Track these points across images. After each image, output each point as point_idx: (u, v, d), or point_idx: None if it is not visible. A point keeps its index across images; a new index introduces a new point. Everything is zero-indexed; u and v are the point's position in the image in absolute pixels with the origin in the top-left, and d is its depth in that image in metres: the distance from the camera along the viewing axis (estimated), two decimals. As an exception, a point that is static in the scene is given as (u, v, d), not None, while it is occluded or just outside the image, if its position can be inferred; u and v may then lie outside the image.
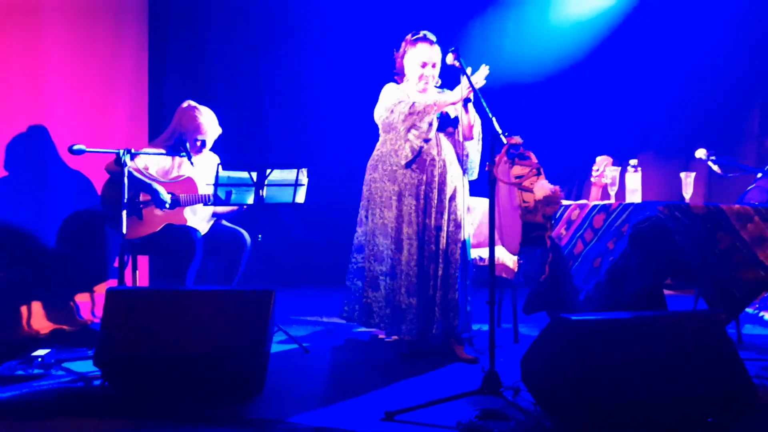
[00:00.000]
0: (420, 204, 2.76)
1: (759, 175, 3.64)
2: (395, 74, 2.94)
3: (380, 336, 3.12)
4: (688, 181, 2.95)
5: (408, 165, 2.75)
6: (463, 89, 2.64)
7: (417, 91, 2.86)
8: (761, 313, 3.76)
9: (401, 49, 2.89)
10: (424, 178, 2.77)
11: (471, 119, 2.81)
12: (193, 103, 3.21)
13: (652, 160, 5.20)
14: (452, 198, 2.80)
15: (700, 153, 3.19)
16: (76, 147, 2.58)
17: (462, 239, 2.81)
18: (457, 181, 2.83)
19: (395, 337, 2.91)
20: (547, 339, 2.10)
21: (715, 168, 3.18)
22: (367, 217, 2.89)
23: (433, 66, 2.83)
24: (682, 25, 5.32)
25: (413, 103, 2.72)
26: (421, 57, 2.82)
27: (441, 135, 2.83)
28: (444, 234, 2.76)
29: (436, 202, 2.76)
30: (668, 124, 5.46)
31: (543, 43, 5.09)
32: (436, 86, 2.91)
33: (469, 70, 2.59)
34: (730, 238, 2.56)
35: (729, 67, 5.33)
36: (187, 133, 3.15)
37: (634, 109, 5.46)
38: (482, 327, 3.14)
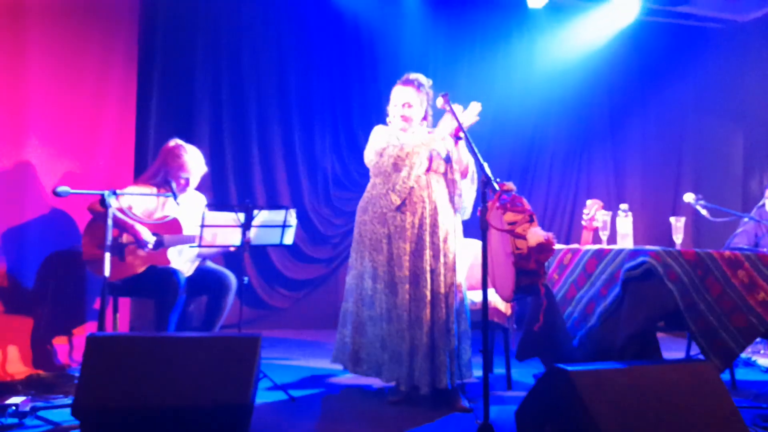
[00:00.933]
0: (412, 247, 2.71)
1: (746, 219, 3.67)
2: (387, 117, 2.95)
3: (370, 383, 3.04)
4: (678, 226, 2.95)
5: (398, 208, 2.73)
6: (446, 123, 2.66)
7: (401, 130, 2.86)
8: (753, 358, 3.74)
9: (390, 99, 2.91)
10: (416, 221, 2.73)
11: (463, 157, 2.80)
12: (179, 142, 3.18)
13: (639, 202, 5.26)
14: (445, 240, 2.76)
15: (689, 197, 3.20)
16: (60, 189, 2.51)
17: (456, 283, 2.75)
18: (449, 223, 2.79)
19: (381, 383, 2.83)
20: (542, 389, 2.06)
21: (704, 212, 3.19)
22: (356, 260, 2.84)
23: (408, 106, 2.83)
24: (664, 67, 5.46)
25: (402, 145, 2.72)
26: (394, 99, 2.87)
27: (432, 175, 2.81)
28: (440, 278, 2.71)
29: (428, 244, 2.72)
30: (654, 167, 5.53)
31: (530, 85, 5.16)
32: (427, 127, 2.92)
33: (459, 108, 2.61)
34: (721, 285, 2.56)
35: (712, 109, 5.45)
36: (172, 172, 3.11)
37: (620, 151, 5.54)
38: (474, 373, 3.07)
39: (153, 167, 3.20)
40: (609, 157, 5.49)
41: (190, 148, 3.18)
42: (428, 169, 2.79)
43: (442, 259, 2.72)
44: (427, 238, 2.72)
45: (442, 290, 2.70)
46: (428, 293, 2.68)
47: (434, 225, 2.74)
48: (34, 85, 3.18)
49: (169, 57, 4.40)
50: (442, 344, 2.67)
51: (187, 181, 3.16)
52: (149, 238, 2.96)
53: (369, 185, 2.87)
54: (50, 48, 3.26)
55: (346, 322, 2.85)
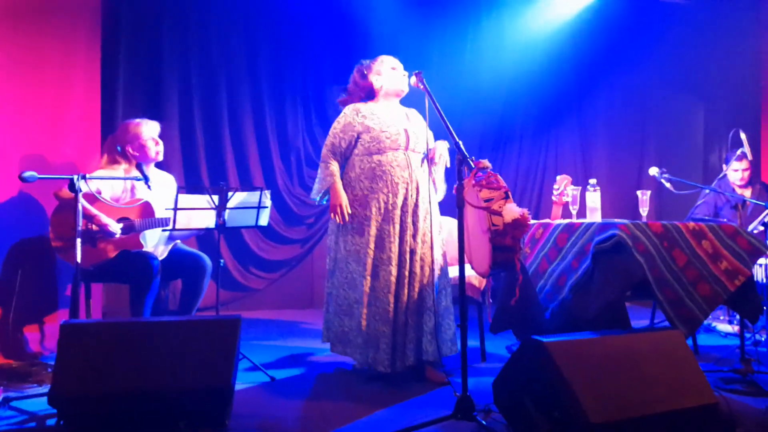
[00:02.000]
0: (394, 228, 2.72)
1: (707, 191, 3.80)
2: (365, 97, 2.92)
3: (348, 361, 3.07)
4: (644, 199, 3.05)
5: (377, 183, 2.74)
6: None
7: (395, 96, 2.87)
8: (713, 324, 3.91)
9: (370, 70, 2.88)
10: (399, 201, 2.74)
11: (434, 149, 2.86)
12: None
13: (604, 176, 5.38)
14: (425, 219, 2.77)
15: (653, 171, 3.30)
16: (26, 174, 2.44)
17: (436, 261, 2.78)
18: (428, 202, 2.82)
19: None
20: (519, 361, 2.12)
21: (668, 185, 3.30)
22: (337, 243, 2.83)
23: (402, 70, 2.89)
24: (628, 43, 5.55)
25: (324, 165, 2.82)
26: (388, 63, 2.89)
27: (411, 154, 2.81)
28: (417, 257, 2.73)
29: (410, 224, 2.74)
30: (619, 142, 5.65)
31: (499, 63, 5.18)
32: (400, 100, 2.93)
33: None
34: (687, 256, 2.66)
35: (674, 85, 5.57)
36: (135, 144, 3.06)
37: (586, 127, 5.64)
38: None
39: (112, 150, 3.12)
40: (576, 133, 5.59)
41: (135, 119, 3.16)
42: (406, 147, 2.80)
43: (420, 239, 2.75)
44: (409, 219, 2.74)
45: (421, 269, 2.73)
46: (407, 273, 2.71)
47: (416, 205, 2.76)
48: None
49: (134, 40, 4.27)
50: (422, 322, 2.70)
51: (156, 141, 3.12)
52: (115, 229, 2.90)
53: (347, 166, 2.86)
54: (8, 34, 3.13)
55: (329, 303, 2.86)
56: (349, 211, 2.76)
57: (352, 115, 2.83)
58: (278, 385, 2.75)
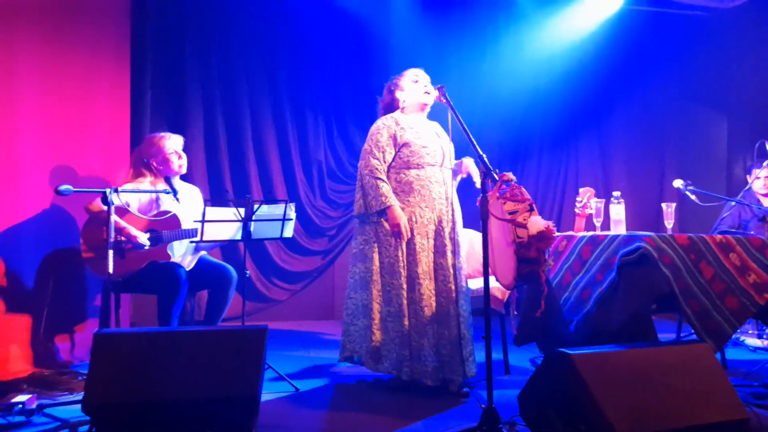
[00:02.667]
0: (428, 242, 2.73)
1: (732, 203, 3.77)
2: (385, 109, 2.96)
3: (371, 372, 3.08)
4: (669, 211, 3.03)
5: (381, 214, 2.75)
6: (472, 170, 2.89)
7: (420, 110, 2.88)
8: (741, 338, 3.85)
9: (396, 85, 2.92)
10: (435, 216, 2.76)
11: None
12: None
13: (625, 188, 5.34)
14: (459, 233, 2.80)
15: (678, 183, 3.28)
16: (62, 187, 2.52)
17: (466, 274, 2.80)
18: (458, 216, 2.84)
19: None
20: (544, 373, 2.12)
21: (693, 197, 3.27)
22: (371, 255, 2.79)
23: (425, 83, 2.91)
24: (648, 55, 5.53)
25: (376, 182, 2.73)
26: (419, 76, 2.91)
27: (445, 171, 2.82)
28: (460, 272, 2.74)
29: (448, 239, 2.75)
30: (640, 154, 5.62)
31: (518, 75, 5.21)
32: (427, 114, 2.95)
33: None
34: (714, 268, 2.63)
35: (695, 97, 5.53)
36: (158, 158, 3.12)
37: (606, 139, 5.61)
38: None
39: (138, 163, 3.19)
40: (596, 145, 5.57)
41: (159, 133, 3.22)
42: (442, 164, 2.82)
43: (459, 253, 2.77)
44: (447, 234, 2.75)
45: (463, 283, 2.75)
46: (453, 287, 2.71)
47: (451, 221, 2.78)
48: (23, 83, 3.14)
49: (159, 55, 4.39)
50: (469, 335, 2.72)
51: (179, 154, 3.18)
52: (143, 240, 2.96)
53: None
54: (39, 45, 3.22)
55: (357, 316, 2.83)
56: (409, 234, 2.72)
57: (393, 127, 2.82)
58: (303, 395, 2.78)
